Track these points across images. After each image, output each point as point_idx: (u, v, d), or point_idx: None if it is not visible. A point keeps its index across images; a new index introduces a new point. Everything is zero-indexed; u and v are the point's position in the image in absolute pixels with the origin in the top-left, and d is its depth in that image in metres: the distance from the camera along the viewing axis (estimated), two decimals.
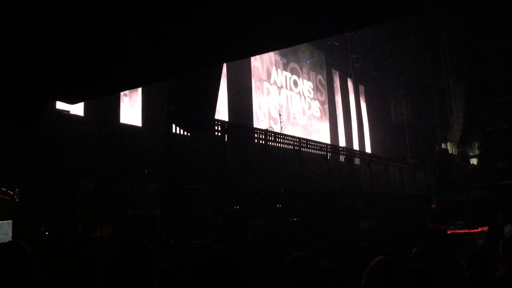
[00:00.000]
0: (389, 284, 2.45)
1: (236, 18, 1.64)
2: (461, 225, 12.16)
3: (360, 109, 20.01)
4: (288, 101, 15.17)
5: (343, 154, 11.38)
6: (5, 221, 6.08)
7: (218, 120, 7.49)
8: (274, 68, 14.69)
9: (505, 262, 3.92)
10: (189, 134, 6.82)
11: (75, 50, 1.67)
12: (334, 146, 12.22)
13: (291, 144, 9.19)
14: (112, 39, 1.74)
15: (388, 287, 2.45)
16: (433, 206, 10.74)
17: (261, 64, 14.16)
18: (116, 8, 1.61)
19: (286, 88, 15.24)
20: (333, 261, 4.19)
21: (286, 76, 15.30)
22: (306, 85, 16.40)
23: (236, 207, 7.47)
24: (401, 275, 2.54)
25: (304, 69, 16.41)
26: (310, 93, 16.67)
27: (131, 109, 9.91)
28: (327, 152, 10.49)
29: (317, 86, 17.20)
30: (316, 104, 16.92)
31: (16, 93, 1.69)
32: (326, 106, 17.61)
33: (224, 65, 10.39)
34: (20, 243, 2.67)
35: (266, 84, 14.23)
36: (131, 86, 5.27)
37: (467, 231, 11.94)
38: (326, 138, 16.37)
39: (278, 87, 14.76)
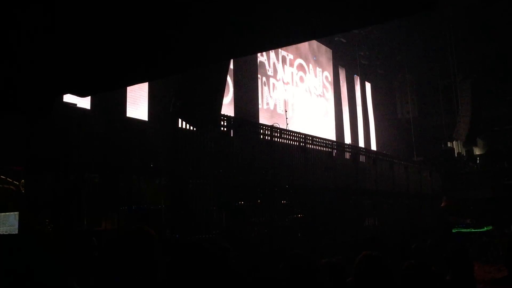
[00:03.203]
0: (375, 276, 2.52)
1: (246, 11, 1.63)
2: (470, 223, 12.10)
3: (366, 106, 19.95)
4: (294, 97, 15.15)
5: (348, 151, 11.35)
6: (11, 213, 6.10)
7: (224, 116, 7.49)
8: (280, 64, 14.66)
9: (504, 265, 3.88)
10: (195, 129, 6.82)
11: (86, 43, 1.68)
12: (339, 143, 12.20)
13: (296, 141, 9.18)
14: (122, 35, 1.74)
15: (374, 279, 2.52)
16: (442, 204, 10.69)
17: (268, 60, 14.13)
18: (127, 6, 1.62)
19: (292, 84, 15.21)
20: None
21: (292, 72, 15.27)
22: (312, 82, 16.36)
23: (241, 202, 7.49)
24: (387, 269, 2.59)
25: (310, 65, 16.37)
26: (316, 89, 16.63)
27: (137, 103, 9.93)
28: (333, 149, 10.48)
29: (323, 83, 17.16)
30: (322, 101, 16.89)
31: (27, 86, 1.69)
32: (332, 103, 17.57)
33: (231, 61, 10.38)
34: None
35: (272, 80, 14.21)
36: (141, 81, 5.28)
37: (472, 230, 11.89)
38: (331, 135, 16.34)
39: (284, 83, 14.74)
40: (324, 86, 17.17)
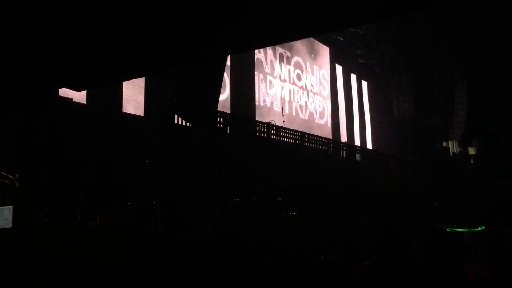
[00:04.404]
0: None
1: (247, 8, 1.63)
2: (462, 223, 12.13)
3: (362, 105, 19.97)
4: (291, 95, 15.15)
5: (344, 150, 11.38)
6: (5, 207, 6.07)
7: (220, 112, 7.49)
8: (278, 61, 14.65)
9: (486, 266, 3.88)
10: (191, 125, 6.82)
11: (81, 38, 1.67)
12: (335, 141, 12.23)
13: (292, 138, 9.20)
14: (118, 31, 1.74)
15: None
16: (436, 204, 10.73)
17: (265, 57, 14.12)
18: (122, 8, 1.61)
19: (289, 81, 15.21)
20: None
21: (289, 70, 15.26)
22: (309, 79, 16.37)
23: (236, 199, 7.49)
24: (387, 277, 2.60)
25: (307, 63, 16.37)
26: (313, 87, 16.63)
27: (133, 98, 9.90)
28: (329, 147, 10.50)
29: (320, 81, 17.17)
30: (318, 99, 16.89)
31: (22, 80, 1.69)
32: (329, 101, 17.58)
33: (228, 58, 10.36)
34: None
35: (269, 77, 14.20)
36: (137, 75, 5.28)
37: (466, 229, 11.92)
38: (327, 133, 16.35)
39: (281, 81, 14.73)
40: (321, 84, 17.17)
